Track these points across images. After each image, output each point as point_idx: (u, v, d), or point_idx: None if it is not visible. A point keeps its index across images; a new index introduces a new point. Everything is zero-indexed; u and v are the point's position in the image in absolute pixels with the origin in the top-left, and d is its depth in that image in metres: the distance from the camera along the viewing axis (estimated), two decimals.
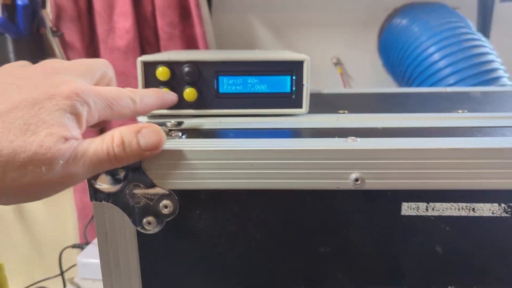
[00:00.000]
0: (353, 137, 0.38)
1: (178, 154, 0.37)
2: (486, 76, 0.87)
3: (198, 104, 0.48)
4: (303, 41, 1.09)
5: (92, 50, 0.90)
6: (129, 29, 0.86)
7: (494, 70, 0.88)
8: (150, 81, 0.48)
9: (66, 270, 0.86)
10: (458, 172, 0.36)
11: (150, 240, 0.39)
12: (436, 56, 0.90)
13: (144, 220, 0.38)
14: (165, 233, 0.39)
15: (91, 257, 0.77)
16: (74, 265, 0.85)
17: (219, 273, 0.39)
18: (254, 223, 0.38)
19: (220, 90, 0.48)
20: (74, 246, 0.86)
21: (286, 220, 0.38)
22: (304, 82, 0.48)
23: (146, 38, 0.91)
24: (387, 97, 0.65)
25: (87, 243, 0.84)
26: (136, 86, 0.47)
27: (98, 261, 0.74)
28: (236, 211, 0.38)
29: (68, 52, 0.88)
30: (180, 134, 0.41)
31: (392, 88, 0.98)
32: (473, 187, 0.36)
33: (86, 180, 0.36)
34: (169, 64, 0.47)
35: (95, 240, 0.85)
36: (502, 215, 0.37)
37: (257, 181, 0.37)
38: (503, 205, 0.36)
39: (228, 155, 0.36)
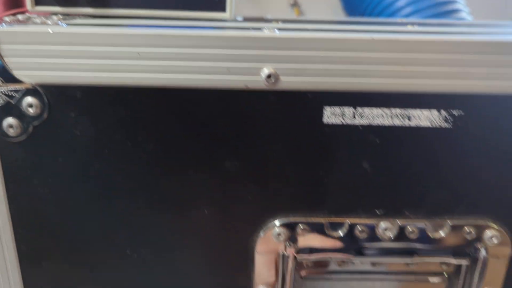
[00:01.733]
0: (272, 28, 0.31)
1: (46, 37, 0.29)
2: (448, 16, 0.81)
3: (98, 1, 0.40)
4: None
5: None
6: None
7: (457, 11, 0.82)
8: None
9: None
10: (392, 69, 0.29)
11: (14, 149, 0.31)
12: None
13: (5, 123, 0.30)
14: (33, 140, 0.31)
15: None
16: None
17: (105, 191, 0.32)
18: (145, 129, 0.31)
19: None
20: None
21: (184, 128, 0.31)
22: None
23: None
24: (336, 22, 0.58)
25: None
26: None
27: None
28: (122, 114, 0.30)
29: None
30: (60, 23, 0.33)
31: (344, 17, 0.91)
32: (410, 90, 0.30)
33: None
34: None
35: None
36: (442, 125, 0.30)
37: (146, 75, 0.29)
38: (443, 112, 0.30)
39: (109, 40, 0.29)
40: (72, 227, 0.33)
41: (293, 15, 1.01)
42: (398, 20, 0.63)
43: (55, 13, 0.40)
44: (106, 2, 0.40)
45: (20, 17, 0.36)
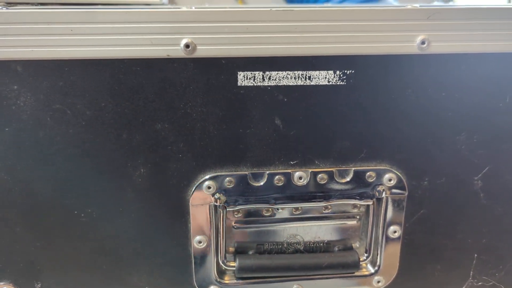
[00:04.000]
0: (189, 6, 0.36)
1: None
2: (377, 1, 0.88)
3: None
4: None
5: None
6: None
7: None
8: None
9: None
10: (293, 36, 0.34)
11: None
12: None
13: None
14: None
15: None
16: None
17: (49, 157, 0.36)
18: (82, 99, 0.35)
19: None
20: None
21: (117, 94, 0.35)
22: None
23: None
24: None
25: None
26: None
27: None
28: (60, 85, 0.34)
29: None
30: (1, 7, 0.36)
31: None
32: (309, 53, 0.35)
33: None
34: None
35: None
36: (338, 82, 0.36)
37: (80, 49, 0.34)
38: (338, 72, 0.36)
39: (44, 17, 0.33)
40: (22, 191, 0.37)
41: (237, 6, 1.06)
42: (324, 4, 0.69)
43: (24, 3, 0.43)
44: None
45: None
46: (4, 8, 0.35)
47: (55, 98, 0.35)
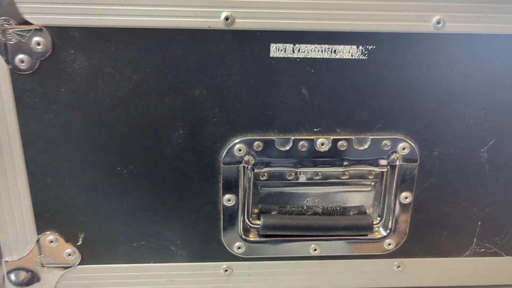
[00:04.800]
0: None
1: None
2: None
3: None
4: None
5: None
6: None
7: None
8: None
9: None
10: (321, 13, 0.38)
11: (25, 81, 0.39)
12: None
13: (17, 58, 0.38)
14: (40, 73, 0.39)
15: None
16: None
17: (98, 116, 0.40)
18: (130, 64, 0.39)
19: None
20: None
21: (162, 62, 0.39)
22: None
23: None
24: None
25: None
26: None
27: None
28: (111, 50, 0.39)
29: None
30: None
31: None
32: (335, 29, 0.39)
33: None
34: None
35: None
36: (360, 57, 0.40)
37: (131, 18, 0.38)
38: (360, 47, 0.40)
39: None
40: (72, 147, 0.41)
41: None
42: None
43: None
44: None
45: None
46: None
47: (106, 62, 0.39)
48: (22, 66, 0.38)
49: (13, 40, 0.37)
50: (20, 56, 0.38)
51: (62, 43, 0.38)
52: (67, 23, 0.37)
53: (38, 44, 0.37)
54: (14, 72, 0.38)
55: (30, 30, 0.37)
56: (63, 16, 0.37)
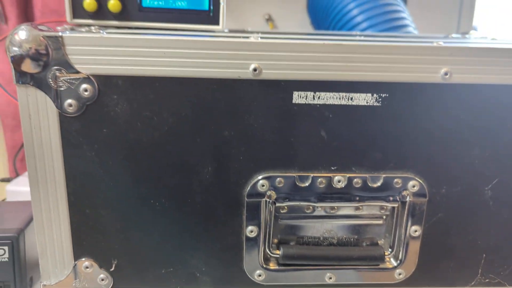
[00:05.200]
0: (256, 36, 0.44)
1: (97, 41, 0.41)
2: (397, 30, 0.97)
3: (121, 16, 0.52)
4: None
5: None
6: None
7: (405, 26, 0.98)
8: None
9: None
10: (340, 65, 0.43)
11: (71, 122, 0.43)
12: (354, 11, 0.98)
13: (66, 103, 0.42)
14: (85, 116, 0.43)
15: (20, 185, 0.79)
16: (4, 199, 0.86)
17: (135, 154, 0.44)
18: (166, 108, 0.43)
19: (143, 4, 0.52)
20: (3, 180, 0.87)
21: (195, 106, 0.43)
22: (221, 1, 0.53)
23: None
24: (304, 33, 0.72)
25: (17, 176, 0.85)
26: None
27: (27, 189, 0.75)
28: (150, 97, 0.43)
29: None
30: (101, 31, 0.45)
31: (311, 30, 1.06)
32: (352, 79, 0.43)
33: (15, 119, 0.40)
34: None
35: (26, 172, 0.86)
36: (374, 104, 0.44)
37: (169, 69, 0.42)
38: (375, 95, 0.44)
39: (142, 43, 0.41)
40: (109, 181, 0.45)
41: (267, 28, 1.15)
42: (353, 32, 0.77)
43: (88, 25, 0.52)
44: (126, 17, 0.52)
45: (66, 26, 0.48)
46: (105, 33, 0.44)
47: (145, 107, 0.43)
48: (70, 109, 0.42)
49: (63, 87, 0.42)
50: (69, 101, 0.42)
51: (107, 89, 0.42)
52: (112, 72, 0.42)
53: (86, 90, 0.42)
54: (62, 115, 0.42)
55: (79, 78, 0.41)
56: (109, 66, 0.41)
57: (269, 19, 1.15)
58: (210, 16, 0.53)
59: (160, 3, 0.52)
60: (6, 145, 0.96)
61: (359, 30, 1.00)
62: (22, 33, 0.40)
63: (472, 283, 0.51)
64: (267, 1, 1.15)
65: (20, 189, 0.77)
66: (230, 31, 0.67)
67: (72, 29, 0.46)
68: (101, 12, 0.51)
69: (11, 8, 0.87)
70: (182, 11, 0.53)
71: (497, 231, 0.49)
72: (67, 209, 0.46)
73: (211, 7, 0.53)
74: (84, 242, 0.47)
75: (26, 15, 0.91)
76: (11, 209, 0.55)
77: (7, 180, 0.85)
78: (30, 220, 0.52)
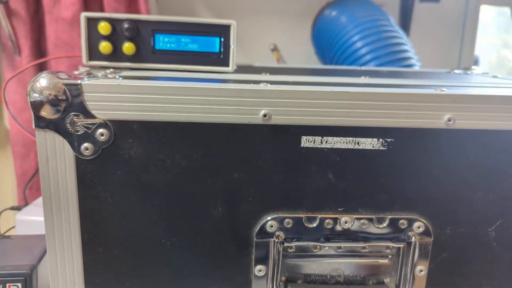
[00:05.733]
0: (265, 83, 0.46)
1: (114, 88, 0.43)
2: (400, 63, 0.99)
3: (135, 58, 0.54)
4: (243, 27, 1.17)
5: (37, 19, 0.92)
6: (75, 1, 0.90)
7: (408, 58, 1.00)
8: (92, 35, 0.53)
9: (5, 232, 0.88)
10: (347, 111, 0.44)
11: (87, 165, 0.44)
12: (359, 44, 1.01)
13: (82, 147, 0.44)
14: (101, 159, 0.44)
15: (30, 215, 0.80)
16: (13, 227, 0.87)
17: (148, 195, 0.46)
18: (179, 151, 0.45)
19: (156, 47, 0.54)
20: (12, 208, 0.88)
21: (207, 150, 0.45)
22: (231, 44, 0.55)
23: (91, 11, 0.94)
24: (309, 70, 0.74)
25: (26, 205, 0.87)
26: (81, 58, 0.53)
27: (36, 218, 0.77)
28: (164, 141, 0.44)
29: (13, 21, 0.90)
30: (117, 76, 0.47)
31: (316, 65, 1.08)
32: (358, 124, 0.45)
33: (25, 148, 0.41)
34: (110, 20, 0.53)
35: (35, 201, 0.87)
36: (380, 148, 0.46)
37: (182, 114, 0.44)
38: (381, 139, 0.45)
39: (157, 90, 0.43)
40: (122, 221, 0.46)
41: (273, 58, 1.18)
42: (357, 68, 0.79)
43: (103, 67, 0.54)
44: (140, 59, 0.55)
45: (82, 69, 0.50)
46: (120, 78, 0.46)
47: (159, 150, 0.45)
48: (86, 153, 0.44)
49: (80, 131, 0.43)
50: (85, 144, 0.44)
51: (122, 134, 0.44)
52: (128, 118, 0.43)
53: (102, 135, 0.43)
54: (79, 157, 0.44)
55: (95, 123, 0.43)
56: (125, 112, 0.43)
57: (275, 49, 1.18)
58: (221, 58, 0.56)
59: (173, 45, 0.55)
60: (16, 173, 0.97)
61: (363, 62, 1.02)
62: (43, 81, 0.42)
63: None
64: (273, 32, 1.18)
65: (30, 218, 0.78)
66: (238, 67, 0.69)
67: (88, 73, 0.47)
68: (116, 54, 0.54)
69: (25, 41, 0.90)
70: (193, 53, 0.55)
71: (500, 271, 0.50)
72: (80, 248, 0.47)
73: (222, 50, 0.55)
74: (96, 280, 0.48)
75: (39, 47, 0.93)
76: (23, 243, 0.56)
77: (17, 208, 0.86)
78: (43, 254, 0.53)
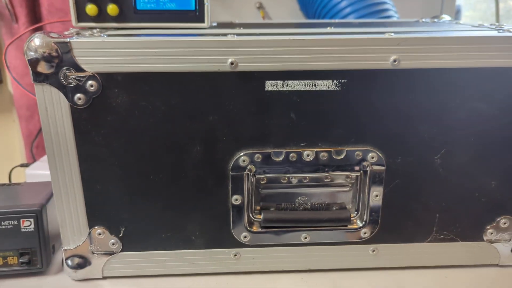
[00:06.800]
0: (232, 35, 0.52)
1: (99, 44, 0.49)
2: (379, 15, 1.03)
3: (119, 18, 0.60)
4: None
5: None
6: None
7: (385, 10, 1.05)
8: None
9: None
10: (304, 57, 0.51)
11: (81, 113, 0.52)
12: None
13: (75, 97, 0.51)
14: (92, 107, 0.51)
15: (38, 169, 0.88)
16: (24, 181, 0.96)
17: (135, 137, 0.53)
18: (159, 98, 0.52)
19: (138, 7, 0.60)
20: (22, 165, 0.96)
21: (183, 96, 0.52)
22: (205, 1, 0.60)
23: None
24: (282, 24, 0.79)
25: (34, 162, 0.95)
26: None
27: (44, 172, 0.85)
28: (145, 89, 0.51)
29: None
30: (102, 34, 0.53)
31: (295, 20, 1.13)
32: (315, 68, 0.51)
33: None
34: None
35: (42, 158, 0.95)
36: (335, 88, 0.52)
37: (160, 65, 0.50)
38: (335, 81, 0.52)
39: (137, 45, 0.49)
40: (115, 161, 0.54)
41: (259, 16, 1.22)
42: (329, 21, 0.84)
43: (91, 28, 0.60)
44: (124, 19, 0.60)
45: (72, 30, 0.57)
46: (105, 36, 0.52)
47: (141, 98, 0.51)
48: (79, 102, 0.51)
49: (73, 84, 0.50)
50: (78, 95, 0.51)
51: (109, 84, 0.51)
52: (113, 70, 0.50)
53: (91, 86, 0.50)
54: (73, 107, 0.51)
55: (85, 76, 0.50)
56: (110, 65, 0.50)
57: (260, 7, 1.22)
58: (197, 15, 0.61)
59: (153, 5, 0.60)
60: (22, 134, 1.05)
61: (343, 15, 1.07)
62: (37, 40, 0.48)
63: (428, 239, 0.60)
64: None
65: (38, 172, 0.86)
66: (219, 24, 0.75)
67: (77, 33, 0.54)
68: (101, 16, 0.60)
69: (20, 9, 0.95)
70: (172, 12, 0.61)
71: (447, 194, 0.58)
72: (81, 186, 0.55)
73: (197, 7, 0.61)
74: (97, 213, 0.56)
75: (34, 14, 0.99)
76: (33, 188, 0.64)
77: (26, 165, 0.94)
78: (50, 197, 0.61)
